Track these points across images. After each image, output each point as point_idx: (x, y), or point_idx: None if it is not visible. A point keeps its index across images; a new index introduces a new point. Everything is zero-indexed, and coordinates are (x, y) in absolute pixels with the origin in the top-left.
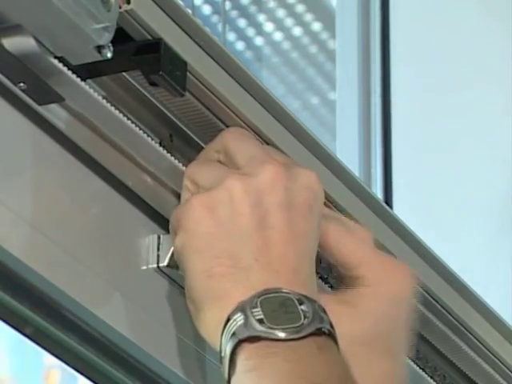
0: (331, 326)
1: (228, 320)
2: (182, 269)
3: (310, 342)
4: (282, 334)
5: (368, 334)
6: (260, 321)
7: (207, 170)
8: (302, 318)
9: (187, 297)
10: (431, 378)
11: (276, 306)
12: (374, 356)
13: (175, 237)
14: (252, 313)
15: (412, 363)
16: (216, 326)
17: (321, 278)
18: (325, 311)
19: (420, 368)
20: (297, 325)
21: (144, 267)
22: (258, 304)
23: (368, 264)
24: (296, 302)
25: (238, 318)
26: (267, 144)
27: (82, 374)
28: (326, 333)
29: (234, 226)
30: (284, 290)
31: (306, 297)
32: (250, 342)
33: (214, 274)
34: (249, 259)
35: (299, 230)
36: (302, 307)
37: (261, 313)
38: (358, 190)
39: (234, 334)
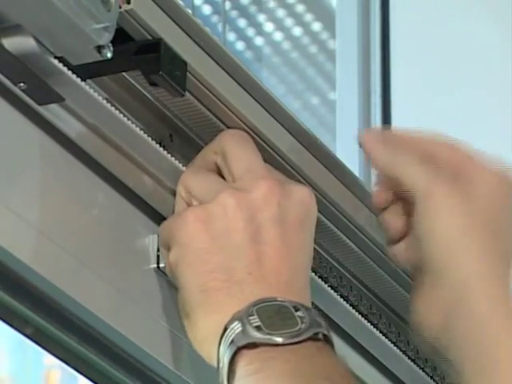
0: (328, 331)
1: (225, 330)
2: (177, 283)
3: (309, 345)
4: (279, 339)
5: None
6: (257, 328)
7: (202, 181)
8: (300, 323)
9: (181, 311)
10: (431, 377)
11: (272, 313)
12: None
13: (169, 252)
14: (249, 320)
15: (411, 363)
16: (212, 339)
17: (320, 277)
18: (321, 317)
19: (420, 368)
20: (294, 330)
21: (144, 267)
22: (255, 312)
23: (482, 166)
24: (292, 308)
25: (236, 327)
26: (265, 143)
27: (82, 374)
28: (323, 339)
29: (228, 240)
30: (279, 299)
31: (301, 304)
32: (248, 348)
33: (209, 289)
34: (242, 273)
35: (292, 244)
36: (299, 313)
37: (258, 320)
38: (358, 189)
39: (232, 342)
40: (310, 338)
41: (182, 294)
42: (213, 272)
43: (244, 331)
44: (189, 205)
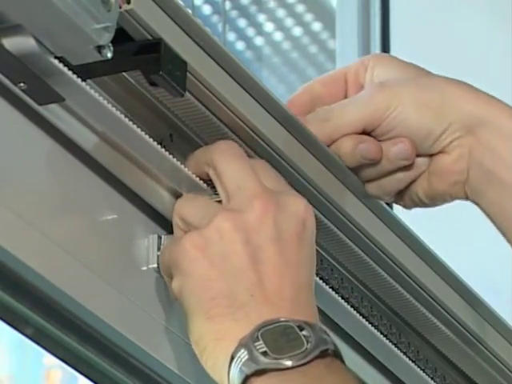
0: (335, 345)
1: (232, 358)
2: (183, 311)
3: (318, 364)
4: (288, 363)
5: None
6: (264, 353)
7: (195, 207)
8: (305, 343)
9: (190, 338)
10: (432, 378)
11: (277, 335)
12: None
13: (171, 280)
14: (255, 347)
15: (412, 364)
16: (221, 365)
17: (321, 278)
18: (326, 332)
19: (420, 369)
20: (301, 351)
21: (144, 267)
22: (260, 337)
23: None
24: (297, 328)
25: (242, 355)
26: (265, 143)
27: (82, 373)
28: (331, 354)
29: (227, 264)
30: (282, 319)
31: (305, 322)
32: (257, 375)
33: (213, 316)
34: (245, 296)
35: (292, 261)
36: (304, 333)
37: (263, 345)
38: (358, 190)
39: (240, 370)
40: (317, 357)
41: (189, 323)
42: (215, 299)
43: (251, 358)
44: (186, 232)
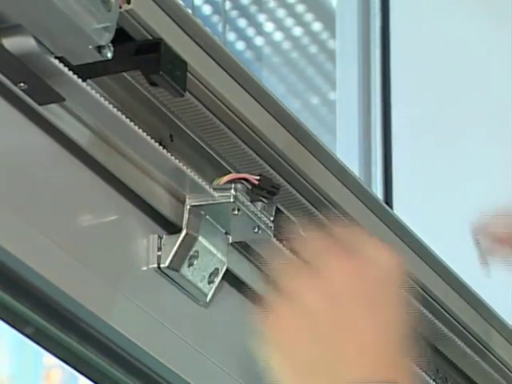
0: None
1: None
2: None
3: None
4: None
5: None
6: None
7: None
8: None
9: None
10: (434, 380)
11: None
12: None
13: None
14: None
15: (414, 366)
16: None
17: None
18: None
19: (423, 370)
20: None
21: (144, 267)
22: None
23: None
24: None
25: None
26: (265, 143)
27: (82, 373)
28: None
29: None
30: None
31: None
32: None
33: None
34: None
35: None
36: None
37: None
38: (358, 190)
39: None
40: None
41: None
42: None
43: None
44: None
